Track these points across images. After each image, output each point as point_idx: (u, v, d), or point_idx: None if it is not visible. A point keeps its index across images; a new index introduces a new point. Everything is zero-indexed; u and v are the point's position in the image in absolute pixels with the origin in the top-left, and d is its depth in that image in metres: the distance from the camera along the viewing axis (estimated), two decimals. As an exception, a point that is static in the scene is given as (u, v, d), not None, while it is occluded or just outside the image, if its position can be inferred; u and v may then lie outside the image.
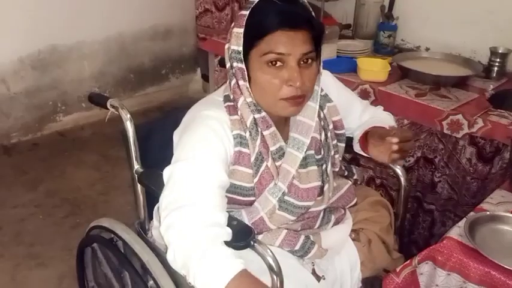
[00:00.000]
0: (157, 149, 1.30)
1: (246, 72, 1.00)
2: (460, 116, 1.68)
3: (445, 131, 1.72)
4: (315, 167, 1.09)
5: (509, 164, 1.38)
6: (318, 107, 1.09)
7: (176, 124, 1.12)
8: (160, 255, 1.20)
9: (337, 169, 1.18)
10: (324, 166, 1.12)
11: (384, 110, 1.33)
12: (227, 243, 0.91)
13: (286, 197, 1.07)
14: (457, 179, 1.79)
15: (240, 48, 0.99)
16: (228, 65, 1.06)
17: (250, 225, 1.06)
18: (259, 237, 1.08)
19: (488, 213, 1.14)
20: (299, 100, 1.01)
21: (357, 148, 1.23)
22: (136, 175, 1.24)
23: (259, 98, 1.02)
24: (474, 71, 1.98)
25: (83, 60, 3.26)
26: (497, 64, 2.00)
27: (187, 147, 0.99)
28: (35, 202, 2.48)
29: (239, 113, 1.03)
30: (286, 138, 1.09)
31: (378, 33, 2.29)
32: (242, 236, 0.91)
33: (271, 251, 0.92)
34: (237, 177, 1.05)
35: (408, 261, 1.12)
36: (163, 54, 3.68)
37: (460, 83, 1.92)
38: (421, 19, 2.29)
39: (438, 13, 2.24)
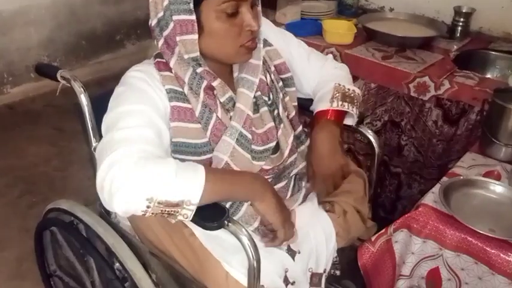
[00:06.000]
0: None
1: (196, 24, 0.95)
2: (426, 78, 1.67)
3: (412, 94, 1.71)
4: (266, 108, 1.08)
5: (481, 126, 1.38)
6: (262, 45, 1.10)
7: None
8: (126, 236, 1.14)
9: (292, 114, 1.16)
10: (276, 111, 1.11)
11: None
12: (199, 222, 0.87)
13: (243, 134, 1.04)
14: (423, 142, 1.80)
15: None
16: (154, 21, 1.01)
17: None
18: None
19: (461, 177, 1.14)
20: (254, 44, 1.02)
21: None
22: (94, 152, 1.15)
23: (215, 48, 0.99)
24: (438, 31, 1.96)
25: (29, 27, 3.05)
26: (460, 24, 1.98)
27: (119, 98, 0.97)
28: (-14, 182, 2.33)
29: (173, 71, 1.01)
30: (233, 90, 1.07)
31: (342, -6, 2.22)
32: (215, 217, 0.86)
33: (246, 230, 0.87)
34: (183, 134, 1.00)
35: (383, 230, 1.11)
36: (116, 19, 3.48)
37: (425, 44, 1.91)
38: (384, -22, 2.24)
39: (402, -28, 2.19)
